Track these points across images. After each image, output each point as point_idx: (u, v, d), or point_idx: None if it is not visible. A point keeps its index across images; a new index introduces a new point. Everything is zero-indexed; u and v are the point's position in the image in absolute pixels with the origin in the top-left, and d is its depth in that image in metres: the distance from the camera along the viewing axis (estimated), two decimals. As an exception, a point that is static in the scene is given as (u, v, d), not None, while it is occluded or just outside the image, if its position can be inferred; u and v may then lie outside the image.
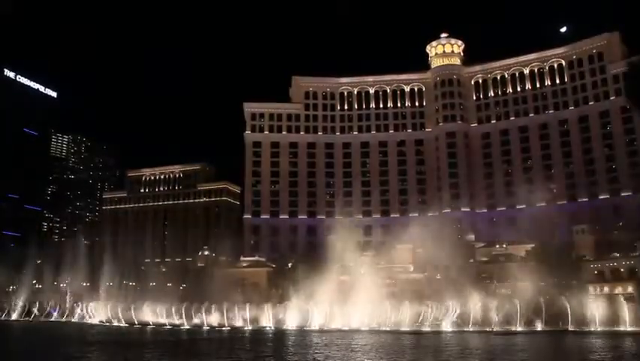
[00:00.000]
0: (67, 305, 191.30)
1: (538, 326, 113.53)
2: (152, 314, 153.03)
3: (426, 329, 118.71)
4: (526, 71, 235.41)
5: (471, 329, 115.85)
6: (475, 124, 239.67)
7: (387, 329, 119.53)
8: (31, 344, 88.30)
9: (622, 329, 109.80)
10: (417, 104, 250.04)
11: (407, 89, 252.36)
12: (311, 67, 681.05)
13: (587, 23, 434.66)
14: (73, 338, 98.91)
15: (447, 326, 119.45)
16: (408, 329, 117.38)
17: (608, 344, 79.66)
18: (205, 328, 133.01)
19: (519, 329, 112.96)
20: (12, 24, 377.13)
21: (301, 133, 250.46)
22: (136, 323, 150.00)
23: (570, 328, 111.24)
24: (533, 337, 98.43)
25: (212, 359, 65.24)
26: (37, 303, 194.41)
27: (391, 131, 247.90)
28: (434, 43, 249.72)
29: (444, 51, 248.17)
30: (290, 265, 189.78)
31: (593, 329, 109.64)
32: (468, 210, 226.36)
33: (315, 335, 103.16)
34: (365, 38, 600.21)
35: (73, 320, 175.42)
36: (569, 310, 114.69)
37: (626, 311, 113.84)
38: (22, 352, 74.70)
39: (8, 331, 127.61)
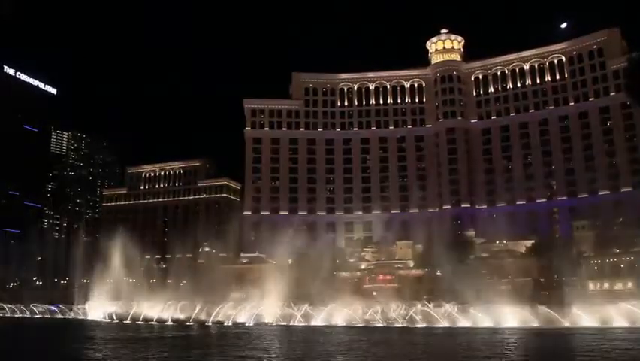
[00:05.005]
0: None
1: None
2: (156, 311, 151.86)
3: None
4: (527, 66, 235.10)
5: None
6: (476, 120, 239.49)
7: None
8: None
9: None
10: (417, 100, 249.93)
11: (407, 85, 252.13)
12: (311, 63, 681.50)
13: (587, 19, 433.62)
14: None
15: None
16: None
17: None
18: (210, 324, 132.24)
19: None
20: (12, 21, 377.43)
21: (301, 129, 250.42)
22: (140, 319, 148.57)
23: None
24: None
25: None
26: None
27: (391, 128, 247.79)
28: (434, 39, 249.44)
29: (444, 47, 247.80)
30: (290, 261, 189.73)
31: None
32: (468, 206, 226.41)
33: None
34: (365, 34, 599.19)
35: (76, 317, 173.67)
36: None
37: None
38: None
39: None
